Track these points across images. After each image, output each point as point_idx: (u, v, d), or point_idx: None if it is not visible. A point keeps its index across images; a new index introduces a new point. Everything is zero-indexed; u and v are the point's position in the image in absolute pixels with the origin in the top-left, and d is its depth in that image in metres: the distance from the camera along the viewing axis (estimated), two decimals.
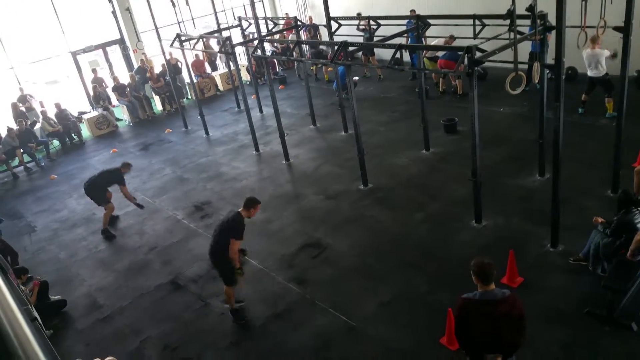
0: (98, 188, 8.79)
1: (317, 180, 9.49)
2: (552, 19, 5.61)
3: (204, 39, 13.40)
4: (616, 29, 6.24)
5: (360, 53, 13.89)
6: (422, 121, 9.49)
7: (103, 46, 16.62)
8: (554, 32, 5.53)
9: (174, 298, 6.92)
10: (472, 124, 6.49)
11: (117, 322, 6.64)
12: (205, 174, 10.66)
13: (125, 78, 15.69)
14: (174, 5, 12.20)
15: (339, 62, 7.80)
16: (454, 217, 7.50)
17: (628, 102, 6.78)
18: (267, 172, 10.26)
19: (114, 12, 13.53)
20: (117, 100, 15.14)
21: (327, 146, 11.00)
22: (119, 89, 14.91)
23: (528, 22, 6.85)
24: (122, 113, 15.37)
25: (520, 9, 5.00)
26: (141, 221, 9.16)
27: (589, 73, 9.44)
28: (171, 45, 11.78)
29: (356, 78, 13.52)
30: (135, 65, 16.28)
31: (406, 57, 14.44)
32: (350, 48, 7.82)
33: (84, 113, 15.15)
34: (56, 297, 7.22)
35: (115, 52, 17.08)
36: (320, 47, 14.93)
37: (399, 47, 7.08)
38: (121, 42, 16.49)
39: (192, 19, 13.98)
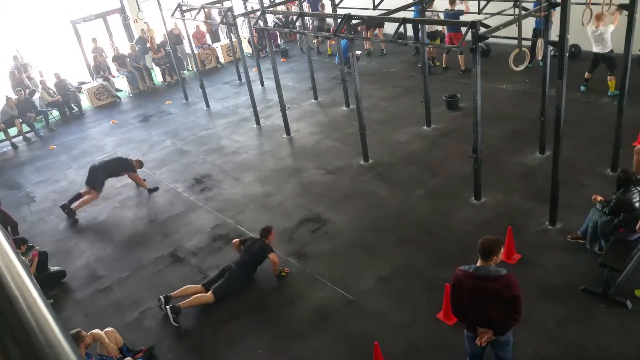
0: (105, 172, 8.82)
1: (318, 155, 9.49)
2: None
3: (206, 9, 13.21)
4: (621, 6, 6.15)
5: (360, 27, 13.69)
6: (424, 97, 9.44)
7: (103, 15, 16.38)
8: (558, 8, 5.45)
9: (174, 270, 7.01)
10: (475, 101, 6.46)
11: (116, 293, 6.73)
12: (206, 146, 10.65)
13: (125, 48, 15.52)
14: None
15: (341, 35, 7.71)
16: (453, 194, 7.53)
17: (630, 81, 6.74)
18: (267, 146, 10.25)
19: None
20: (117, 70, 15.01)
21: (329, 121, 10.96)
22: (119, 59, 14.76)
23: None
24: (122, 84, 15.26)
25: None
26: (140, 193, 9.19)
27: (594, 49, 9.34)
28: (172, 15, 11.61)
29: (359, 52, 13.38)
30: (136, 36, 16.08)
31: (410, 31, 14.25)
32: (354, 21, 7.71)
33: (83, 83, 15.05)
34: (55, 267, 7.27)
35: (115, 21, 16.85)
36: (324, 19, 14.71)
37: (403, 21, 6.99)
38: (122, 11, 16.24)
39: None
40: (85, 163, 10.29)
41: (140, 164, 9.16)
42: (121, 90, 15.20)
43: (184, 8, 11.50)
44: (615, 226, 5.48)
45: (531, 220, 6.65)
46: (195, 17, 11.77)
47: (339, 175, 8.67)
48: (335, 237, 7.10)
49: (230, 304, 6.13)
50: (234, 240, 6.74)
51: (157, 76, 15.62)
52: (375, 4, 9.05)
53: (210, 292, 6.09)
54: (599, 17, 8.51)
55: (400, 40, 9.12)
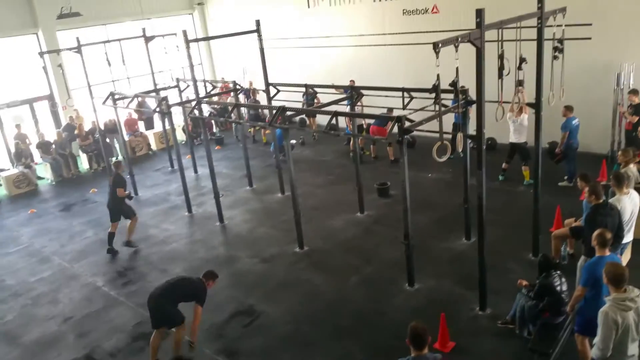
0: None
1: (252, 243, 9.32)
2: (472, 94, 6.06)
3: (139, 98, 13.27)
4: (529, 105, 6.84)
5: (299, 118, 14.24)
6: (357, 184, 9.72)
7: (30, 101, 15.97)
8: (474, 105, 5.96)
9: None
10: (403, 189, 6.72)
11: None
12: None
13: (51, 135, 15.05)
14: (109, 64, 12.10)
15: (276, 125, 7.95)
16: (388, 280, 7.55)
17: (542, 171, 7.32)
18: (199, 235, 9.96)
19: (44, 68, 13.18)
20: (41, 157, 14.42)
21: (263, 208, 10.92)
22: (43, 145, 14.24)
23: (451, 96, 7.37)
24: (44, 171, 14.60)
25: (445, 84, 5.38)
26: (56, 288, 8.49)
27: (511, 139, 10.16)
28: (104, 102, 11.53)
29: (294, 141, 13.77)
30: (64, 122, 15.71)
31: (342, 123, 14.93)
32: (288, 113, 8.01)
33: (2, 170, 14.24)
34: None
35: (43, 107, 16.43)
36: (259, 110, 15.16)
37: (335, 114, 7.35)
38: (50, 98, 15.93)
39: (128, 78, 13.85)
40: None
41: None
42: (43, 178, 14.52)
43: (117, 96, 11.49)
44: (540, 310, 5.66)
45: (463, 306, 6.74)
46: (127, 105, 11.75)
47: (273, 263, 8.50)
48: (269, 330, 6.80)
49: None
50: None
51: (84, 163, 15.14)
52: (308, 97, 9.51)
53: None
54: (521, 109, 9.40)
55: (332, 132, 9.55)
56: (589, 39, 7.09)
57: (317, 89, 10.26)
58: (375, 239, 8.95)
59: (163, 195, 12.28)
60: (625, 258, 6.80)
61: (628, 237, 6.47)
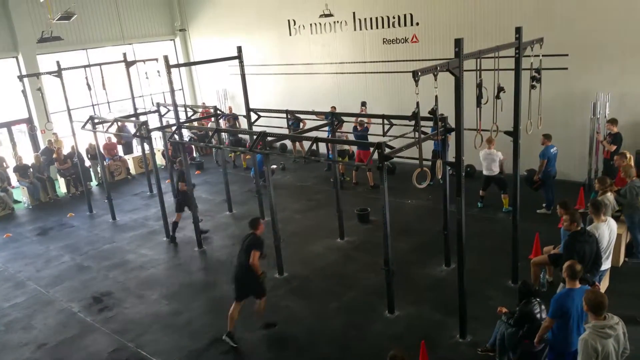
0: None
1: (231, 269, 9.16)
2: (452, 122, 6.17)
3: (119, 122, 13.19)
4: (507, 133, 6.97)
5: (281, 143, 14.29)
6: (337, 210, 9.72)
7: (8, 125, 15.73)
8: (453, 133, 6.05)
9: None
10: (384, 215, 6.74)
11: None
12: (109, 261, 9.97)
13: (29, 158, 14.79)
14: (89, 88, 12.03)
15: (257, 150, 7.95)
16: (368, 307, 7.49)
17: (521, 198, 7.42)
18: (177, 260, 9.80)
19: (24, 91, 13.05)
20: (18, 181, 14.13)
21: (243, 233, 10.74)
22: (21, 169, 13.98)
23: (431, 123, 7.48)
24: (21, 195, 14.29)
25: (424, 112, 5.47)
26: (30, 314, 8.22)
27: (484, 172, 10.34)
28: (83, 127, 11.42)
29: (274, 166, 13.77)
30: (42, 146, 15.47)
31: (322, 148, 15.02)
32: (269, 138, 8.03)
33: None
34: None
35: (21, 131, 16.19)
36: (240, 135, 15.18)
37: (315, 140, 7.39)
38: (29, 121, 15.71)
39: (108, 102, 13.76)
40: None
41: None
42: (20, 202, 14.21)
43: (96, 120, 11.39)
44: (520, 337, 5.66)
45: (442, 333, 6.71)
46: (107, 130, 11.65)
47: None
48: (248, 357, 6.67)
49: None
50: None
51: (62, 187, 14.88)
52: (289, 123, 9.56)
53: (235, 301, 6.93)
54: (490, 141, 9.56)
55: (313, 157, 9.51)
56: (566, 69, 7.32)
57: (298, 115, 10.34)
58: (355, 265, 8.92)
59: (141, 220, 12.09)
60: (603, 285, 6.90)
61: (606, 265, 6.58)
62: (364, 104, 13.63)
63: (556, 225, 8.52)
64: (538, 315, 5.64)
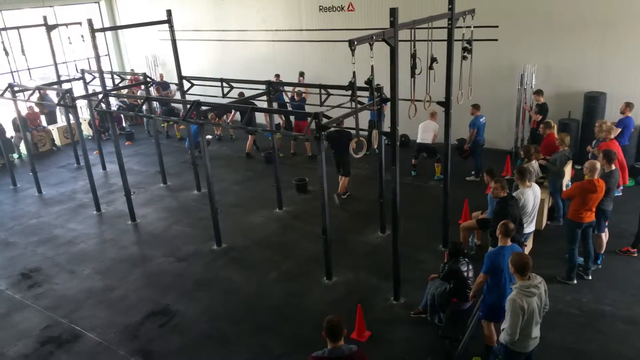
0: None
1: (167, 242, 9.00)
2: (387, 92, 6.27)
3: (41, 90, 12.34)
4: (439, 103, 7.19)
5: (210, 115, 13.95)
6: (275, 181, 9.71)
7: None
8: (389, 103, 6.17)
9: None
10: (321, 184, 6.82)
11: None
12: (36, 237, 9.47)
13: None
14: (7, 53, 11.12)
15: (191, 120, 7.72)
16: (306, 275, 7.63)
17: (451, 166, 7.74)
18: (109, 234, 9.47)
19: None
20: None
21: (179, 205, 10.59)
22: None
23: (367, 93, 7.56)
24: None
25: (360, 82, 5.51)
26: None
27: (418, 140, 10.66)
28: (1, 95, 10.59)
29: (209, 137, 13.47)
30: None
31: (259, 118, 14.83)
32: (203, 107, 7.80)
33: None
34: None
35: None
36: (172, 104, 14.65)
37: (252, 109, 7.28)
38: None
39: (29, 69, 12.80)
40: None
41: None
42: None
43: (16, 89, 10.59)
44: (448, 296, 6.00)
45: (378, 297, 6.98)
46: (28, 98, 10.88)
47: (189, 262, 8.28)
48: (186, 329, 6.63)
49: None
50: None
51: None
52: (224, 92, 9.33)
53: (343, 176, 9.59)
54: (433, 114, 9.96)
55: (250, 127, 9.43)
56: (496, 40, 7.56)
57: (233, 84, 10.09)
58: (294, 234, 9.01)
59: (69, 194, 11.52)
60: (527, 247, 7.39)
61: (531, 228, 7.03)
62: (302, 74, 13.54)
63: (484, 191, 8.98)
64: (465, 274, 5.98)
